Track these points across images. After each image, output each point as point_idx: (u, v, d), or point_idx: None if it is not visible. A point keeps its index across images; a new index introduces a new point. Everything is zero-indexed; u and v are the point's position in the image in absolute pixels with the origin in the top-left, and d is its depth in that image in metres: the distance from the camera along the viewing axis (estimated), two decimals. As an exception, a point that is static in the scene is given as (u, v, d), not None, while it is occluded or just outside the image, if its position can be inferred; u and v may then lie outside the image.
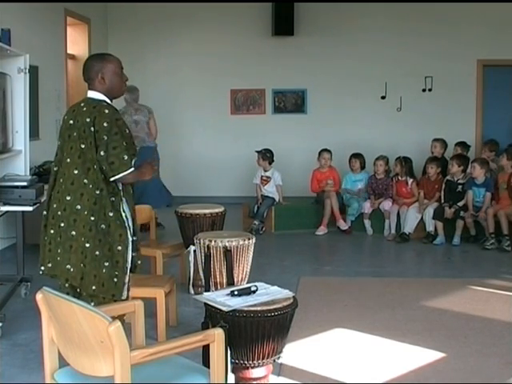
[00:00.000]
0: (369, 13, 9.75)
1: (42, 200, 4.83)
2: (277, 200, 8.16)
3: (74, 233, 3.21)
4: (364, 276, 5.97)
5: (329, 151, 8.29)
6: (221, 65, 9.94)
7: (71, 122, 3.30)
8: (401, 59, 9.80)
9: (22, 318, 4.55)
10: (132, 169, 3.22)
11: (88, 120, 3.22)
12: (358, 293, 5.33)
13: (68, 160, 3.26)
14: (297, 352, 3.92)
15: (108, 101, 3.38)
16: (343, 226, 7.92)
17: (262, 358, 2.93)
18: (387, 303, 5.02)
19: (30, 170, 5.55)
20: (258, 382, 3.01)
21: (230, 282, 4.42)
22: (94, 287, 3.21)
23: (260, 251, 5.92)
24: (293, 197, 8.62)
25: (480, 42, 9.67)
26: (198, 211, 5.31)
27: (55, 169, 3.35)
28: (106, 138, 3.17)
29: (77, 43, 9.11)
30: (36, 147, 6.32)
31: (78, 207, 3.20)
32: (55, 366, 2.45)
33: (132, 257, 3.35)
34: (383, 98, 9.92)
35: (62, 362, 2.42)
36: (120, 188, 3.30)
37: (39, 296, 2.38)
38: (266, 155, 8.16)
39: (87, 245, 3.19)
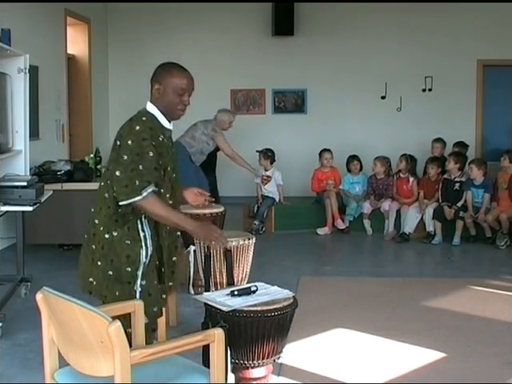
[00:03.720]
0: (369, 13, 9.75)
1: (42, 200, 4.84)
2: (277, 200, 8.16)
3: (93, 247, 3.02)
4: (364, 276, 5.97)
5: (329, 151, 8.30)
6: (221, 65, 9.94)
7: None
8: (401, 59, 9.80)
9: (21, 318, 4.55)
10: (139, 197, 2.86)
11: (121, 131, 2.97)
12: (357, 293, 5.33)
13: (103, 170, 3.15)
14: (297, 352, 3.92)
15: (159, 116, 3.03)
16: (340, 225, 7.94)
17: (262, 358, 2.93)
18: (387, 303, 5.02)
19: (30, 170, 5.54)
20: (258, 381, 3.00)
21: (230, 282, 4.42)
22: (129, 330, 2.80)
23: (260, 251, 5.91)
24: (293, 197, 8.63)
25: (480, 42, 9.67)
26: (198, 211, 5.30)
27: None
28: (126, 157, 2.87)
29: (77, 43, 9.11)
30: (36, 147, 6.32)
31: (96, 221, 3.01)
32: (55, 366, 2.44)
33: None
34: (383, 98, 9.92)
35: (62, 362, 2.41)
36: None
37: (39, 296, 2.37)
38: (268, 154, 8.18)
39: (99, 263, 2.99)
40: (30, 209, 4.57)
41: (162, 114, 3.04)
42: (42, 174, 6.09)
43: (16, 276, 5.11)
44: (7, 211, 4.80)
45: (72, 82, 8.85)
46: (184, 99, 3.09)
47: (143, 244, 2.96)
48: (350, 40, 9.83)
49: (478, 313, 4.78)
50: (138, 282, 2.97)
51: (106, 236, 2.96)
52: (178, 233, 3.19)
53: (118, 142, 2.93)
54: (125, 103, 9.67)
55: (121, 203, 2.90)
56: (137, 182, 2.86)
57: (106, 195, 2.97)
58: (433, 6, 9.59)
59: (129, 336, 2.64)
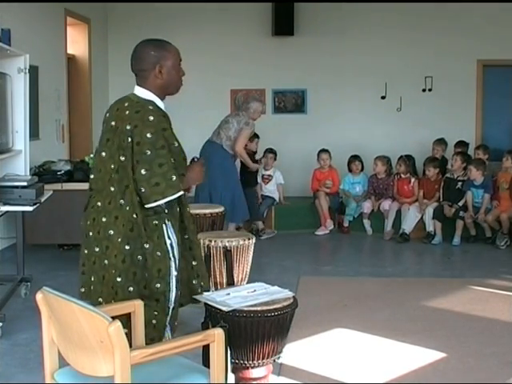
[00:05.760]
0: (369, 13, 9.74)
1: (42, 200, 4.83)
2: (277, 199, 8.17)
3: (106, 262, 2.73)
4: (364, 276, 5.97)
5: (327, 151, 8.32)
6: (221, 65, 9.93)
7: (113, 123, 2.76)
8: (401, 59, 9.79)
9: (21, 318, 4.55)
10: (180, 192, 2.68)
11: (128, 127, 2.67)
12: (358, 293, 5.33)
13: (104, 172, 2.76)
14: (297, 352, 3.92)
15: (157, 101, 2.84)
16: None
17: (262, 358, 2.93)
18: (387, 303, 5.02)
19: (30, 170, 5.55)
20: (258, 381, 3.01)
21: (230, 282, 4.42)
22: (125, 330, 2.34)
23: (260, 251, 5.91)
24: (293, 197, 8.63)
25: (480, 42, 9.67)
26: (198, 211, 5.31)
27: (91, 176, 2.85)
28: (149, 152, 2.62)
29: (77, 43, 9.11)
30: (36, 147, 6.32)
31: (111, 232, 2.71)
32: (55, 366, 2.44)
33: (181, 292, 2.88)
34: (383, 98, 9.91)
35: (62, 362, 2.41)
36: (165, 210, 2.76)
37: (39, 296, 2.37)
38: (273, 151, 8.27)
39: (118, 279, 2.69)
40: (30, 209, 4.57)
41: (159, 96, 2.86)
42: (42, 174, 6.10)
43: (16, 276, 5.11)
44: (7, 211, 4.80)
45: (72, 82, 8.85)
46: (182, 71, 2.92)
47: (171, 255, 2.75)
48: (350, 40, 9.82)
49: (477, 313, 4.78)
50: (173, 297, 2.78)
51: (127, 247, 2.68)
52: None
53: (130, 140, 2.65)
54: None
55: (154, 204, 2.65)
56: (173, 178, 2.64)
57: (122, 201, 2.69)
58: (433, 6, 9.58)
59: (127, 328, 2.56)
